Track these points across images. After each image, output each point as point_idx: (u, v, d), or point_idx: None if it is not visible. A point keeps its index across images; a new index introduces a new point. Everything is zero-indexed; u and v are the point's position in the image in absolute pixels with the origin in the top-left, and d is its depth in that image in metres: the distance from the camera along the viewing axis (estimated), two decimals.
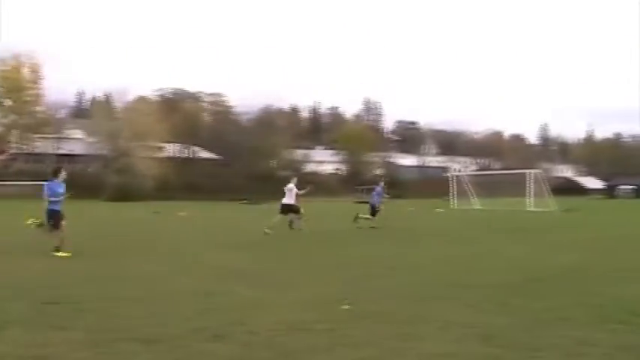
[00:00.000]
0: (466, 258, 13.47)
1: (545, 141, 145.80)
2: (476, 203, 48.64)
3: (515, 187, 46.97)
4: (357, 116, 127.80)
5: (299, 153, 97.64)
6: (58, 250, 13.13)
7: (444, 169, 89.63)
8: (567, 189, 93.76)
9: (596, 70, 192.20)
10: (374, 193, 24.37)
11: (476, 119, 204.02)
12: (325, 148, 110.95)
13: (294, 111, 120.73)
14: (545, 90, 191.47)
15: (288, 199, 20.76)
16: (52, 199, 13.39)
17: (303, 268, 11.74)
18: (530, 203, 43.28)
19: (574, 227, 24.10)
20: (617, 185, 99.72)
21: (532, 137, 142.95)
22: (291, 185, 21.01)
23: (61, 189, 13.61)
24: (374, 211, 23.41)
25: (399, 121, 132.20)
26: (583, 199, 78.69)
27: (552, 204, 41.36)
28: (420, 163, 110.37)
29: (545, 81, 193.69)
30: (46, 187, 13.55)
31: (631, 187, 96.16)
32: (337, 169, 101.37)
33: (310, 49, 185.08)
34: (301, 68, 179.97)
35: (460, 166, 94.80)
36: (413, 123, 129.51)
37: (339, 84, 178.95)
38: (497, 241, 17.68)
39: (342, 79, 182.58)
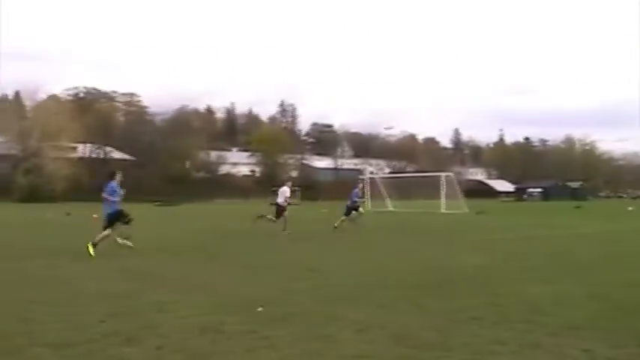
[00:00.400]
0: (381, 259, 13.72)
1: (458, 144, 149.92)
2: (390, 205, 49.44)
3: (429, 189, 47.99)
4: (273, 118, 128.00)
5: (214, 154, 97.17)
6: (95, 246, 13.87)
7: (359, 171, 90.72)
8: (479, 191, 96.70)
9: (509, 75, 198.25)
10: (351, 194, 24.75)
11: (390, 122, 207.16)
12: (240, 150, 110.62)
13: (210, 112, 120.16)
14: (458, 94, 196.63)
15: (279, 200, 22.08)
16: (114, 199, 14.35)
17: (220, 271, 11.66)
18: (443, 205, 44.26)
19: (485, 229, 24.82)
20: (526, 188, 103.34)
21: (445, 141, 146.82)
22: (285, 188, 22.42)
23: (120, 190, 14.64)
24: (349, 212, 24.03)
25: (314, 124, 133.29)
26: (494, 201, 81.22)
27: (464, 206, 42.54)
28: (335, 166, 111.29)
29: (458, 85, 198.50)
30: (109, 188, 14.44)
31: (539, 190, 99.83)
32: (252, 170, 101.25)
33: (227, 51, 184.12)
34: (217, 69, 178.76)
35: (374, 169, 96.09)
36: (328, 126, 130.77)
37: (255, 86, 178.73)
38: (411, 243, 18.07)
39: (258, 82, 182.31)
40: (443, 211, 42.48)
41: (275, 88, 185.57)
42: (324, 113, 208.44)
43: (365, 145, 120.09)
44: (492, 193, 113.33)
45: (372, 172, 75.53)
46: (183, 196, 71.97)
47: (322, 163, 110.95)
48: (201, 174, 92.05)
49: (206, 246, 16.85)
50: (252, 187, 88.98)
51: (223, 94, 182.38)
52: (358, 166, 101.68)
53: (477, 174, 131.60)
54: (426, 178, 52.61)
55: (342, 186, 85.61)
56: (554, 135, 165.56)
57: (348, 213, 23.88)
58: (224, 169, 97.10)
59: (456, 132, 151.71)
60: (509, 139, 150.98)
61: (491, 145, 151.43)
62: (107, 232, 14.30)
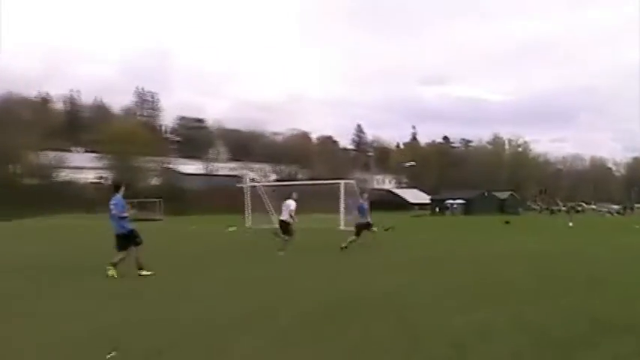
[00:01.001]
0: (273, 283, 13.99)
1: (361, 145, 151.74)
2: (276, 220, 49.42)
3: (325, 200, 47.91)
4: (128, 110, 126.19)
5: (50, 156, 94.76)
6: (142, 269, 15.15)
7: (238, 177, 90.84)
8: (387, 203, 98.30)
9: (422, 62, 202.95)
10: (359, 210, 25.31)
11: (277, 118, 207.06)
12: (86, 151, 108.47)
13: (45, 102, 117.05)
14: (360, 84, 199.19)
15: (284, 216, 23.40)
16: (124, 215, 15.25)
17: (77, 300, 11.57)
18: (342, 220, 44.19)
19: (396, 248, 25.50)
20: (444, 200, 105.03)
21: (345, 140, 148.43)
22: (290, 201, 23.57)
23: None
24: (368, 227, 25.15)
25: (182, 118, 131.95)
26: (405, 215, 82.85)
27: (371, 222, 43.02)
28: (208, 171, 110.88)
29: (359, 74, 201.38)
30: (117, 204, 15.29)
31: (460, 201, 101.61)
32: (101, 177, 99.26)
33: (66, 22, 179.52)
34: (55, 48, 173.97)
35: (257, 175, 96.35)
36: (199, 120, 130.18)
37: (104, 69, 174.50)
38: (302, 267, 18.33)
39: (108, 63, 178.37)
40: (342, 227, 42.45)
41: (130, 72, 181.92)
42: (194, 105, 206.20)
43: (245, 146, 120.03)
44: (403, 205, 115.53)
45: (253, 180, 75.65)
46: (12, 207, 69.92)
47: (191, 167, 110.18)
48: (33, 180, 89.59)
49: (57, 267, 16.57)
50: (101, 197, 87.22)
51: (63, 79, 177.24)
52: (236, 172, 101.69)
53: (385, 181, 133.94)
54: (321, 186, 52.77)
55: (217, 196, 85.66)
56: (478, 134, 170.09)
57: (358, 233, 24.83)
58: (63, 175, 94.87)
59: (359, 129, 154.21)
60: (423, 139, 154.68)
61: (402, 147, 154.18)
62: (123, 254, 15.16)
